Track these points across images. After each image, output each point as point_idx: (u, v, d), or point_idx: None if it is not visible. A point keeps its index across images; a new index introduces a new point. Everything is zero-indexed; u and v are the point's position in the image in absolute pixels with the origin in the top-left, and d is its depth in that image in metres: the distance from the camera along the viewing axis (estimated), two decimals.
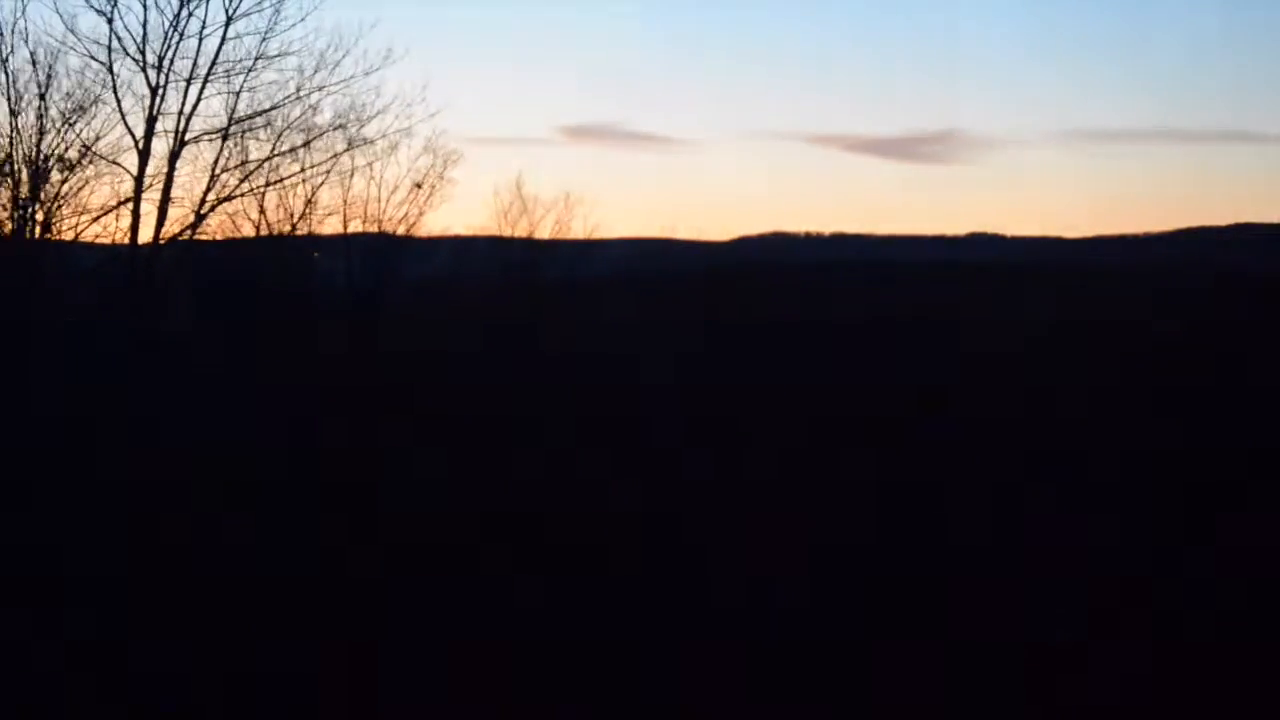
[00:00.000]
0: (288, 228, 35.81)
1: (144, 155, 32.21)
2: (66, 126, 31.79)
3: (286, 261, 37.13)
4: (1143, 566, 15.94)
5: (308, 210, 36.58)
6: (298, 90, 33.70)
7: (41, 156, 31.59)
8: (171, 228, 32.85)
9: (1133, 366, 34.13)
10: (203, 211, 33.11)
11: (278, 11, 33.33)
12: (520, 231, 47.34)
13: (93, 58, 31.65)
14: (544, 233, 47.88)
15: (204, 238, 34.10)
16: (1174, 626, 13.55)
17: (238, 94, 32.99)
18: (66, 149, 31.85)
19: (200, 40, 32.36)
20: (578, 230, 48.95)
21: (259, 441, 23.39)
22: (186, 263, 34.52)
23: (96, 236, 32.82)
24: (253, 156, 34.14)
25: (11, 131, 31.23)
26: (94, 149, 32.03)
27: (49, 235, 32.24)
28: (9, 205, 31.43)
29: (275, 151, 34.27)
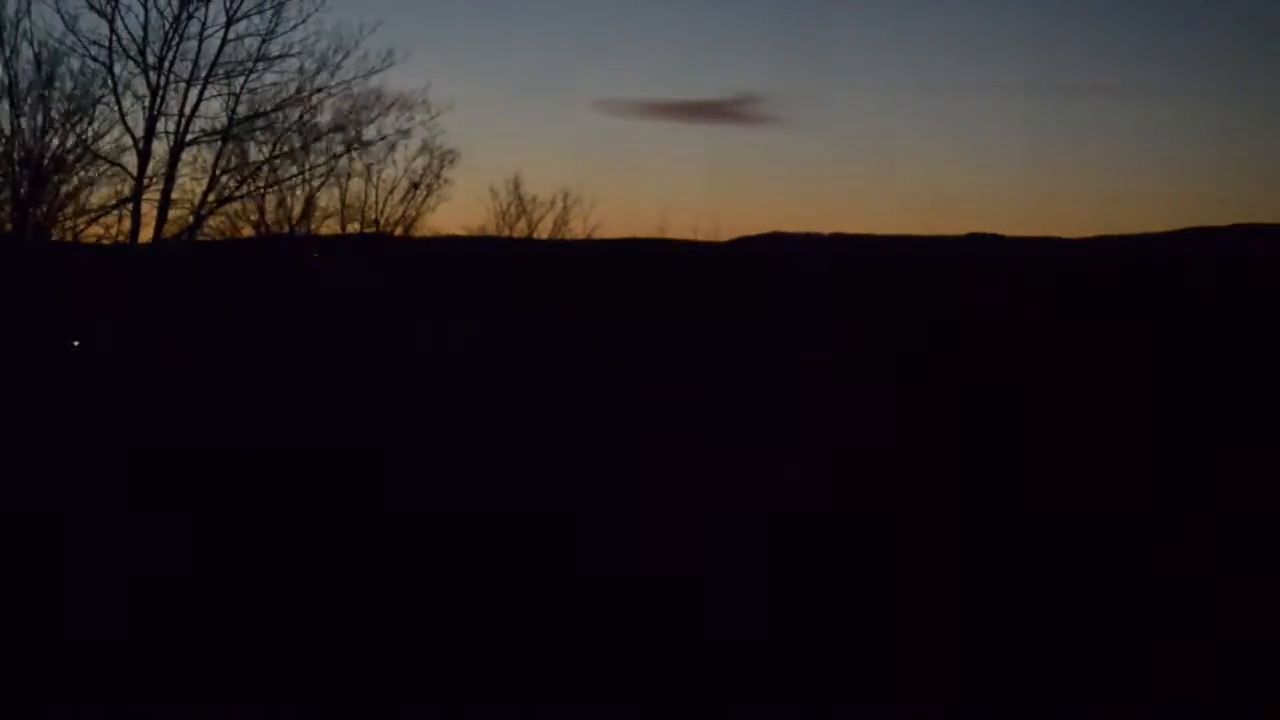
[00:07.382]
0: (287, 228, 35.96)
1: (144, 156, 32.41)
2: (67, 127, 31.99)
3: (286, 262, 37.25)
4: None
5: (307, 212, 36.71)
6: (298, 92, 33.82)
7: (42, 156, 31.78)
8: (171, 229, 33.07)
9: None
10: (202, 213, 33.31)
11: (279, 13, 33.31)
12: (519, 231, 47.22)
13: (93, 58, 31.84)
14: (543, 232, 47.70)
15: (204, 239, 34.30)
16: None
17: (238, 96, 33.18)
18: (67, 150, 32.06)
19: (201, 42, 32.55)
20: (576, 230, 48.69)
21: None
22: (186, 264, 34.67)
23: (97, 237, 33.07)
24: (252, 158, 34.33)
25: (13, 131, 31.46)
26: (94, 149, 32.24)
27: (49, 235, 32.42)
28: (9, 205, 31.63)
29: (275, 153, 34.47)
